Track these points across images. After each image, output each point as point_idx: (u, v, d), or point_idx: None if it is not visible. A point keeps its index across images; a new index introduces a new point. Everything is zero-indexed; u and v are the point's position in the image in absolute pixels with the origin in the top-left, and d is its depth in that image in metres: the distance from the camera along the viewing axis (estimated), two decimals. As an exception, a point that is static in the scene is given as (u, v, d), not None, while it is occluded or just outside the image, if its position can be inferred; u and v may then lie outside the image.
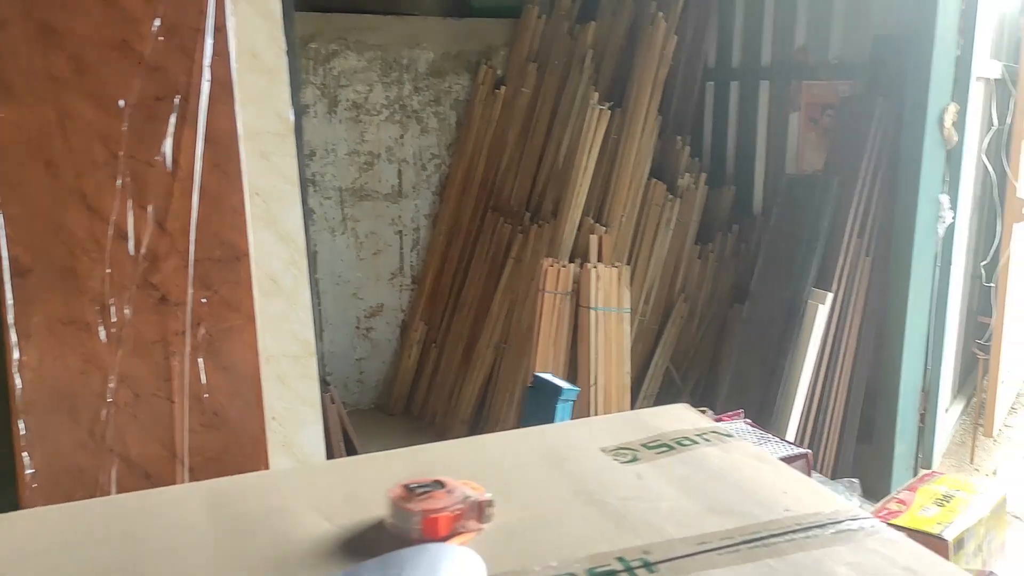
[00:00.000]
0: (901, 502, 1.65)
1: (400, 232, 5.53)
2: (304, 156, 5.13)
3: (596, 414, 4.41)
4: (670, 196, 4.89)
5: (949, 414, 4.91)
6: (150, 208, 3.05)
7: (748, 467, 0.99)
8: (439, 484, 0.90)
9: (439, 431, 5.18)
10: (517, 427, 2.21)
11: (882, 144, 4.01)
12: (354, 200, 5.35)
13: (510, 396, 4.67)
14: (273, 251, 3.48)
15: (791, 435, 4.05)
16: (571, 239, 4.73)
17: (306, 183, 5.21)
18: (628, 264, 4.89)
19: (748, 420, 2.30)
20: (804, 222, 4.13)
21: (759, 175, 5.17)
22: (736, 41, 5.37)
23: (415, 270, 5.62)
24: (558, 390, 2.16)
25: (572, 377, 4.56)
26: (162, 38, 2.99)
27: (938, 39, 3.72)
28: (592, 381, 4.43)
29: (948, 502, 1.63)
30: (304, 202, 3.85)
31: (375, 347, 5.63)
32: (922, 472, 1.85)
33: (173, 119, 3.10)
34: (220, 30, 3.11)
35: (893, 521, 1.61)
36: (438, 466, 1.02)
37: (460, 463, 1.03)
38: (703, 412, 1.22)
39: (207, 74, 3.28)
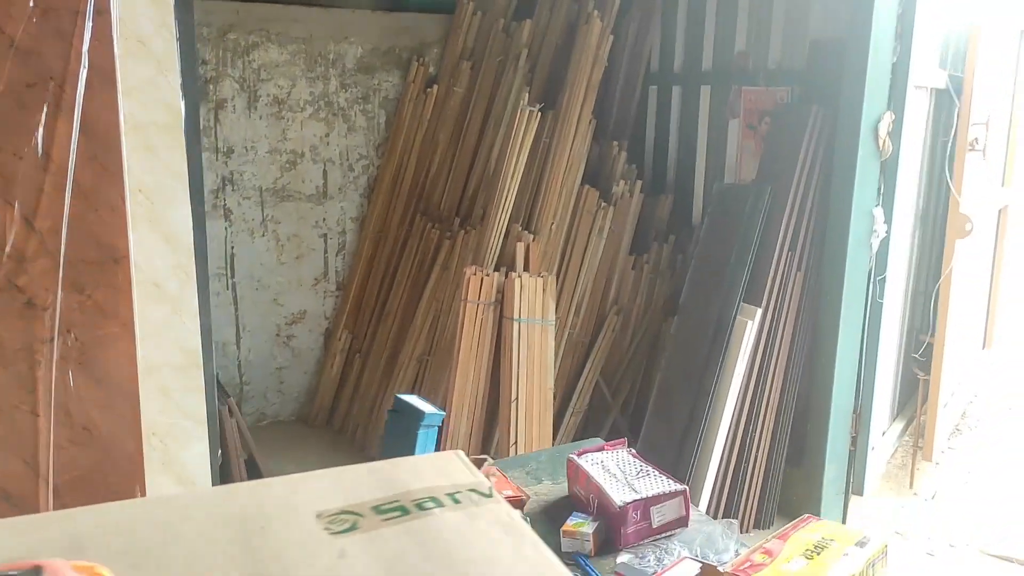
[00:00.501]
0: (767, 552, 1.46)
1: (325, 235, 5.30)
2: (221, 153, 4.89)
3: (516, 431, 4.21)
4: (603, 203, 4.71)
5: (887, 436, 4.76)
6: (17, 204, 2.80)
7: (485, 543, 0.79)
8: (36, 572, 0.68)
9: (359, 446, 4.95)
10: (379, 457, 2.00)
11: (816, 153, 3.85)
12: (275, 201, 5.11)
13: (450, 402, 4.44)
14: (157, 253, 3.24)
15: (716, 456, 3.87)
16: (497, 246, 4.52)
17: (224, 181, 4.97)
18: (558, 274, 4.70)
19: (632, 450, 2.11)
20: (735, 233, 3.96)
21: (699, 184, 5.00)
22: (679, 45, 5.21)
23: (340, 276, 5.39)
24: (420, 415, 1.94)
25: (494, 392, 4.35)
26: (36, 19, 2.75)
27: (873, 45, 3.57)
28: (513, 396, 4.23)
29: (818, 554, 1.44)
30: (198, 200, 3.61)
31: (297, 356, 5.38)
32: (800, 517, 1.66)
33: (46, 108, 2.87)
34: (102, 13, 2.87)
35: None
36: (86, 541, 0.79)
37: (118, 535, 0.81)
38: (482, 460, 1.01)
39: (85, 60, 3.04)
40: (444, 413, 2.01)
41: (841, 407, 3.89)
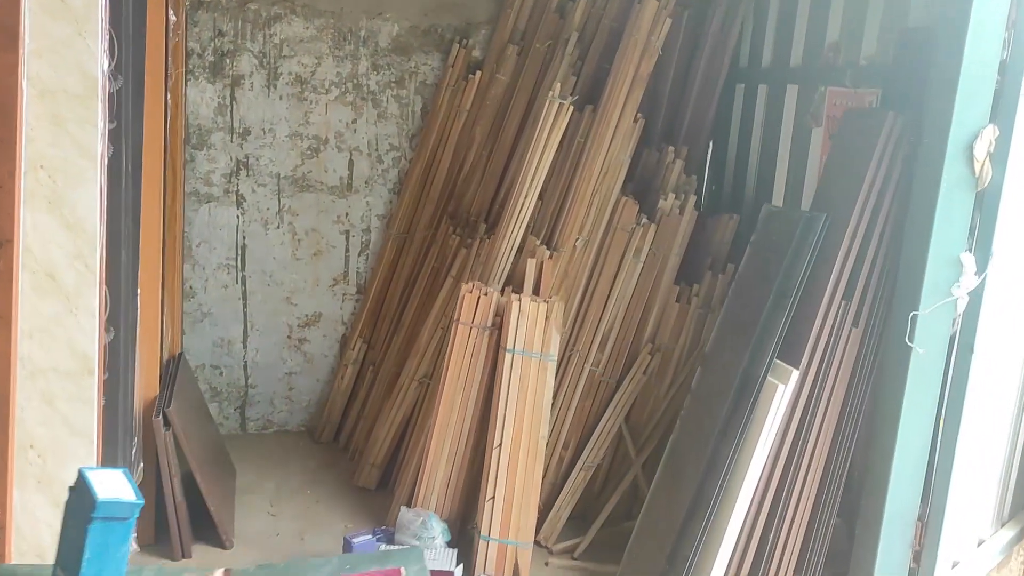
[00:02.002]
0: None
1: (347, 232, 4.84)
2: (236, 134, 4.54)
3: (495, 484, 3.58)
4: (644, 219, 3.97)
5: (988, 546, 3.75)
6: None
7: None
8: None
9: (351, 471, 4.46)
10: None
11: (888, 175, 2.97)
12: (294, 190, 4.70)
13: (423, 448, 3.87)
14: (55, 239, 2.85)
15: (723, 555, 3.08)
16: (507, 261, 3.89)
17: (238, 165, 4.62)
18: (582, 300, 4.01)
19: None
20: (775, 271, 3.14)
21: (777, 204, 4.15)
22: (769, 35, 4.37)
23: (362, 278, 4.92)
24: (91, 502, 1.39)
25: (480, 434, 3.74)
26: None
27: (972, 33, 2.66)
28: (496, 441, 3.59)
29: None
30: (121, 185, 3.22)
31: (309, 361, 4.97)
32: None
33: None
34: (10, -40, 2.50)
35: None
36: None
37: None
38: None
39: (-15, 14, 2.69)
40: (138, 502, 1.44)
41: (900, 512, 2.99)
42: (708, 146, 4.62)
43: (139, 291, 3.46)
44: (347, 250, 4.86)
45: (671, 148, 4.18)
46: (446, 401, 3.72)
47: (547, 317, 3.62)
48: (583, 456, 3.98)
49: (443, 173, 4.65)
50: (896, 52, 3.14)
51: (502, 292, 3.80)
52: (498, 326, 3.69)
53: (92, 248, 2.91)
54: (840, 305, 3.02)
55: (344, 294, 4.92)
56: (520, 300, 3.60)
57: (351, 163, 4.76)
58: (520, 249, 3.92)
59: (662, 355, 4.07)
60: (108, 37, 3.09)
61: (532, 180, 3.86)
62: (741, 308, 3.29)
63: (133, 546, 3.04)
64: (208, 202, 4.59)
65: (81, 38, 2.85)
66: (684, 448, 3.35)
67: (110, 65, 3.14)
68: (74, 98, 2.87)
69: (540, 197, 4.00)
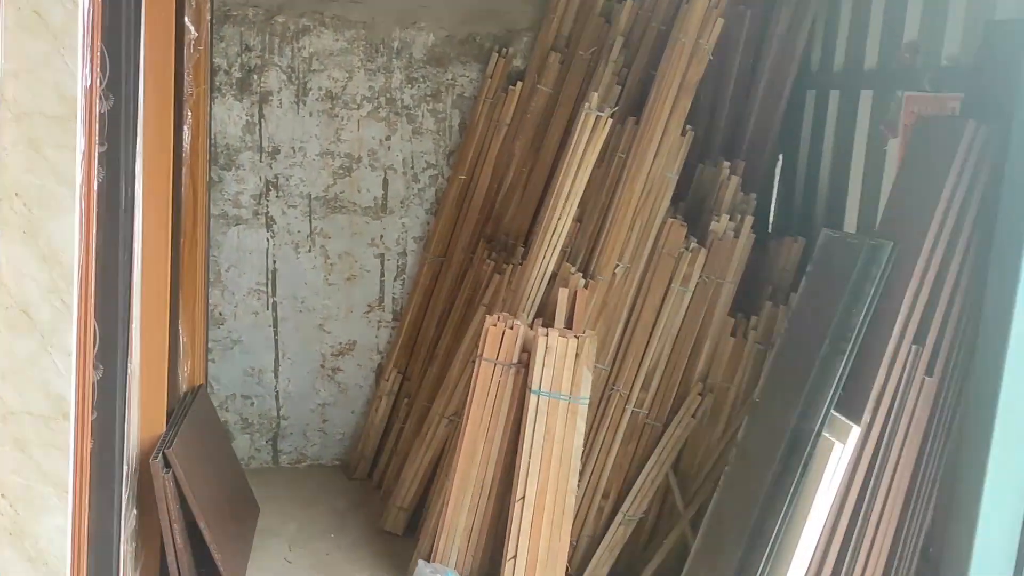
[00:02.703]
0: None
1: (382, 256, 4.59)
2: (265, 153, 4.35)
3: (517, 542, 3.24)
4: (693, 243, 3.57)
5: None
6: None
7: None
8: None
9: (381, 513, 4.18)
10: None
11: (969, 195, 2.51)
12: (326, 211, 4.48)
13: (450, 489, 3.56)
14: (29, 273, 2.67)
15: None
16: (538, 290, 3.56)
17: (268, 186, 4.43)
18: (623, 334, 3.63)
19: None
20: (834, 307, 2.70)
21: (850, 226, 3.69)
22: (841, 36, 3.92)
23: (398, 304, 4.66)
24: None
25: (505, 483, 3.40)
26: None
27: (1071, 23, 2.20)
28: (520, 494, 3.26)
29: None
30: (119, 210, 3.04)
31: (343, 392, 4.73)
32: None
33: None
34: (-20, -30, 2.34)
35: None
36: None
37: None
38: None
39: (-48, 30, 2.53)
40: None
41: (985, 596, 2.52)
42: (773, 160, 4.17)
43: (138, 323, 3.27)
44: (382, 275, 4.61)
45: (726, 163, 3.76)
46: (468, 446, 3.40)
47: (577, 354, 3.26)
48: (624, 507, 3.60)
49: (482, 192, 4.35)
50: (981, 49, 2.68)
51: (531, 325, 3.47)
52: (525, 363, 3.35)
53: (69, 282, 2.71)
54: (910, 350, 2.57)
55: (380, 321, 4.66)
56: (548, 335, 3.26)
57: (385, 182, 4.51)
58: (554, 277, 3.58)
59: (715, 396, 3.66)
60: (100, 55, 2.91)
61: (567, 200, 3.52)
62: (794, 351, 2.86)
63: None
64: (237, 225, 4.41)
65: (59, 55, 2.66)
66: (727, 513, 2.94)
67: (102, 83, 2.96)
68: (52, 120, 2.68)
69: (578, 220, 3.66)
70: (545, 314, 3.55)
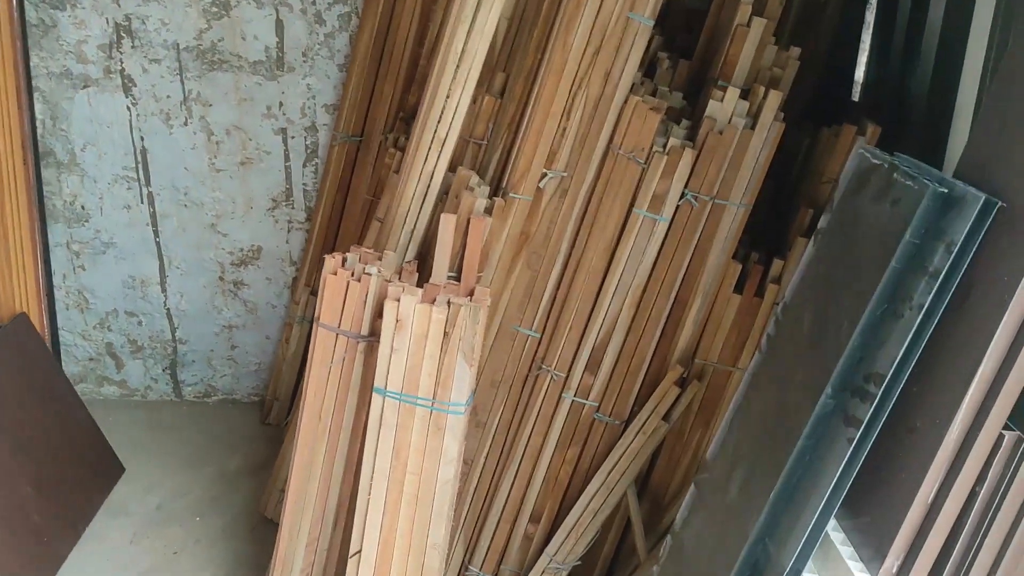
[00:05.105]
0: None
1: (284, 132, 3.37)
2: (107, -15, 3.13)
3: (349, 618, 2.15)
4: (672, 140, 2.17)
5: None
6: None
7: None
8: None
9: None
10: None
11: None
12: (201, 68, 3.26)
13: (283, 513, 2.50)
14: None
15: None
16: (418, 213, 2.29)
17: (118, 31, 3.24)
18: (559, 284, 2.34)
19: None
20: (850, 322, 1.34)
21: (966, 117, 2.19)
22: None
23: (311, 199, 3.47)
24: None
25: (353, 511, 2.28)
26: None
27: None
28: (354, 547, 2.14)
29: None
30: None
31: (252, 312, 3.67)
32: None
33: None
34: None
35: None
36: None
37: None
38: None
39: None
40: None
41: None
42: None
43: None
44: (287, 158, 3.41)
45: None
46: (302, 454, 2.29)
47: (447, 333, 2.02)
48: (550, 548, 2.43)
49: (402, 40, 3.01)
50: None
51: (399, 272, 2.23)
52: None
53: None
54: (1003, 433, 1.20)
55: (289, 221, 3.51)
56: (401, 296, 2.02)
57: (279, 26, 3.22)
58: (443, 190, 2.29)
59: (709, 380, 2.36)
60: None
61: (463, 59, 2.16)
62: (786, 348, 1.53)
63: None
64: (85, 87, 3.27)
65: None
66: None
67: None
68: None
69: (497, 96, 2.31)
70: (428, 248, 2.30)
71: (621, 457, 2.36)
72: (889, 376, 1.23)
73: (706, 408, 2.37)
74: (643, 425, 2.35)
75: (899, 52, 2.66)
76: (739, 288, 2.30)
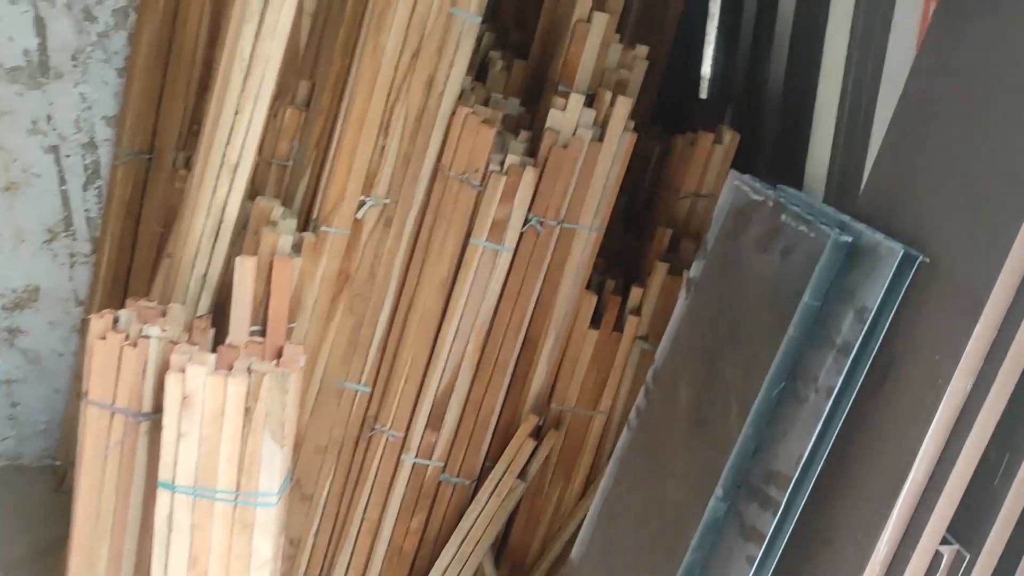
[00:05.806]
0: None
1: (55, 149, 2.87)
2: None
3: None
4: (510, 157, 1.87)
5: None
6: None
7: None
8: None
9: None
10: None
11: None
12: (-56, 76, 2.73)
13: None
14: None
15: None
16: (210, 255, 1.90)
17: None
18: (389, 330, 2.00)
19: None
20: (734, 363, 1.07)
21: (824, 113, 2.00)
22: None
23: (95, 227, 2.99)
24: None
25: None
26: None
27: None
28: None
29: None
30: None
31: (34, 363, 3.13)
32: None
33: None
34: None
35: None
36: None
37: None
38: None
39: None
40: None
41: None
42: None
43: None
44: (62, 180, 2.90)
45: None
46: (78, 565, 1.86)
47: (248, 408, 1.64)
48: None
49: (191, 39, 2.58)
50: None
51: (189, 329, 1.83)
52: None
53: None
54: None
55: (72, 255, 3.00)
56: (187, 365, 1.63)
57: (39, 23, 2.71)
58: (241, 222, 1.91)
59: (568, 428, 2.09)
60: None
61: (252, 73, 1.78)
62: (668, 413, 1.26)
63: None
64: None
65: None
66: None
67: None
68: None
69: (303, 107, 1.95)
70: (224, 299, 1.91)
71: (475, 523, 2.06)
72: (795, 479, 0.98)
73: (565, 458, 2.10)
74: (497, 485, 2.05)
75: (749, 42, 2.47)
76: (596, 322, 2.03)
